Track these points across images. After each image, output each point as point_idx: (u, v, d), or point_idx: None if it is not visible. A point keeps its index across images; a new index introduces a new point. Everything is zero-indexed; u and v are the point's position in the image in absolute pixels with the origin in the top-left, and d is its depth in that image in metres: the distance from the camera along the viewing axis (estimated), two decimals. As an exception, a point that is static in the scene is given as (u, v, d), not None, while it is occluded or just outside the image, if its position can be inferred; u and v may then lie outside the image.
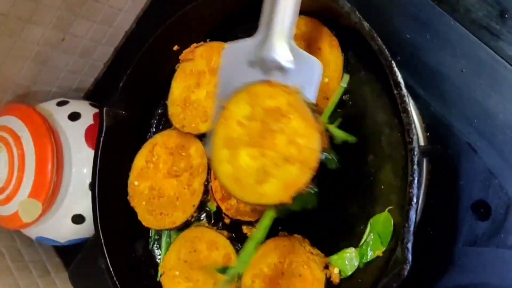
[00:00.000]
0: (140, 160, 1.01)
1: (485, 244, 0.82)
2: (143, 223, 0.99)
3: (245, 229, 0.92)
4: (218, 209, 0.94)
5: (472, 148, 0.84)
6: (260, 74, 0.76)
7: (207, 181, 0.94)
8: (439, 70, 0.88)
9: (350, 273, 0.81)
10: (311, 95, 0.76)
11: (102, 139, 1.00)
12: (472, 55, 0.85)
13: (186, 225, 0.96)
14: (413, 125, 0.70)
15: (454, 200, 0.85)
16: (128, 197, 1.01)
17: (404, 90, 0.71)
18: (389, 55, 0.72)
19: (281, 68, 0.75)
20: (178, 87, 0.99)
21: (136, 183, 1.00)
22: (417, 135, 0.71)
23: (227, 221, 0.94)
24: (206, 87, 0.96)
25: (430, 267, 0.86)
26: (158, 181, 0.99)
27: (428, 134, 0.87)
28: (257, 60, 0.76)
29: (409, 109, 0.70)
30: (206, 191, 0.94)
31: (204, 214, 0.98)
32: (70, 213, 1.15)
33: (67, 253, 1.33)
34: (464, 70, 0.86)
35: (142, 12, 1.33)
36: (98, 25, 1.27)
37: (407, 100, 0.71)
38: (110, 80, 1.37)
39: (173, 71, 1.01)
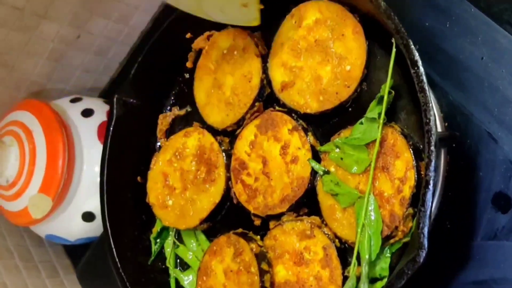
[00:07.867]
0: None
1: (506, 237, 0.79)
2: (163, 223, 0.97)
3: (271, 224, 0.87)
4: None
5: (493, 138, 0.82)
6: None
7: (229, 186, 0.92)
8: (458, 58, 0.85)
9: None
10: None
11: (112, 128, 0.99)
12: (493, 43, 0.83)
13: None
14: (430, 105, 0.67)
15: (473, 192, 0.83)
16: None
17: (422, 69, 0.68)
18: (406, 33, 0.70)
19: None
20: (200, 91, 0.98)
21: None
22: (435, 123, 0.68)
23: (257, 222, 0.90)
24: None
25: (447, 262, 0.83)
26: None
27: (446, 124, 0.85)
28: None
29: (426, 88, 0.68)
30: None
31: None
32: (81, 211, 1.14)
33: (77, 254, 1.32)
34: (484, 58, 0.83)
35: (159, 11, 1.31)
36: (114, 23, 1.26)
37: (424, 79, 0.68)
38: (126, 80, 1.36)
39: (185, 60, 1.00)
